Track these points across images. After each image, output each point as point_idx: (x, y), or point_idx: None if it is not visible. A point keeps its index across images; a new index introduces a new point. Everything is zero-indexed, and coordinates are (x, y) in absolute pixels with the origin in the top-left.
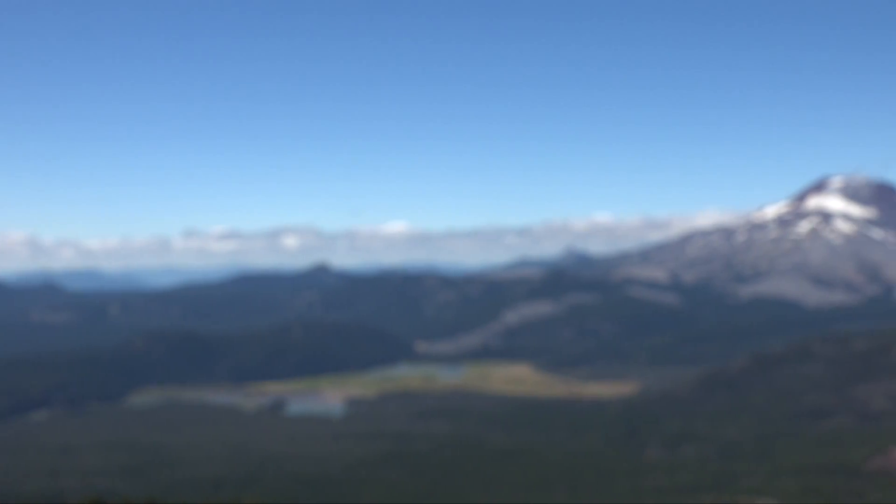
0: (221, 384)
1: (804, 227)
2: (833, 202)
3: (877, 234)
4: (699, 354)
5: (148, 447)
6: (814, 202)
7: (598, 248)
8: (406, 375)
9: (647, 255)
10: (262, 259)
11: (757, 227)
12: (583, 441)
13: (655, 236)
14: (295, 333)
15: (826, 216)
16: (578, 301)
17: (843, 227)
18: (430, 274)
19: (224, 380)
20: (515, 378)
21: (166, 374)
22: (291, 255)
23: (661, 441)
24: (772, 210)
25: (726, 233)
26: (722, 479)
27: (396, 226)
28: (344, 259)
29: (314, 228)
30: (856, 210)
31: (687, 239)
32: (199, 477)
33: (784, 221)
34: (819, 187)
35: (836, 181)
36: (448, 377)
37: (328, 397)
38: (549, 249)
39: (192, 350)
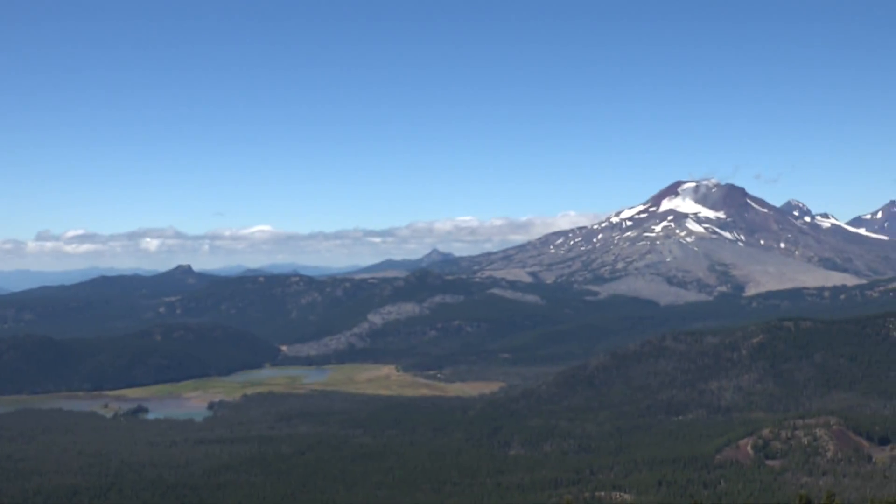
0: (78, 391)
1: (659, 228)
2: (686, 205)
3: (727, 234)
4: (560, 353)
5: None
6: (668, 205)
7: (462, 249)
8: (270, 378)
9: (510, 255)
10: (121, 262)
11: (614, 228)
12: (446, 440)
13: (517, 237)
14: (155, 337)
15: (679, 218)
16: (443, 302)
17: (695, 228)
18: (295, 275)
19: (81, 387)
20: (380, 379)
21: (19, 382)
22: (152, 257)
23: (523, 438)
24: (628, 213)
25: (585, 233)
26: (581, 473)
27: (261, 229)
28: (207, 262)
29: (175, 231)
30: (707, 212)
31: (547, 239)
32: (54, 486)
33: (639, 222)
34: (673, 191)
35: (689, 185)
36: (313, 379)
37: (190, 402)
38: (415, 251)
39: (46, 356)
